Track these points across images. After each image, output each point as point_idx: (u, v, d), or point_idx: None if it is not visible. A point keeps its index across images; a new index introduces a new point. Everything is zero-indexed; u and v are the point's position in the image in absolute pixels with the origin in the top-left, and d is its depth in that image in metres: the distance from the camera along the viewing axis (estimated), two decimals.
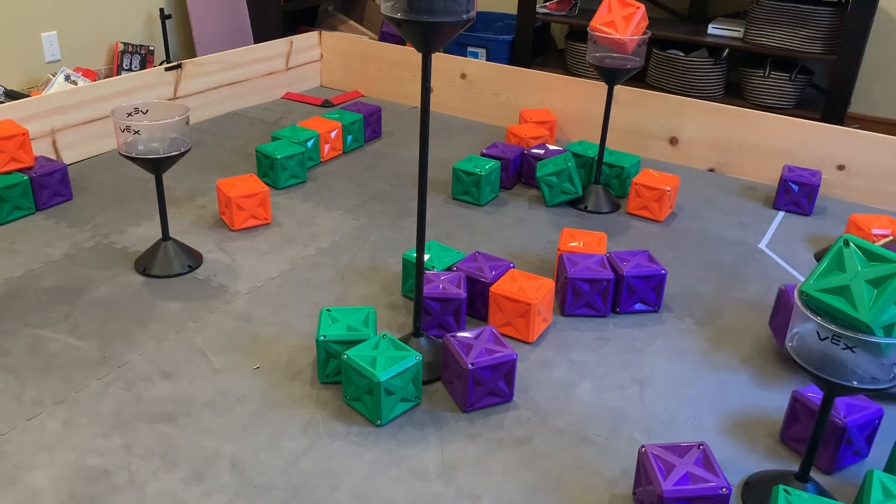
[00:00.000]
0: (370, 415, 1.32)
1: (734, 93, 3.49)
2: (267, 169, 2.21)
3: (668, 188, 2.08)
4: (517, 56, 3.76)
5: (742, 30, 3.35)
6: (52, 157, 2.25)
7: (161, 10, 3.67)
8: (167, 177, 2.24)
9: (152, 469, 1.20)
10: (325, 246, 1.90)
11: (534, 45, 3.78)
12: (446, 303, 1.52)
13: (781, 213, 2.21)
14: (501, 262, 1.65)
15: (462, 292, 1.53)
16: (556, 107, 2.70)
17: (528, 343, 1.55)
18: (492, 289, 1.54)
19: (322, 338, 1.37)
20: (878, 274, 0.97)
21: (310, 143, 2.33)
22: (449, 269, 1.65)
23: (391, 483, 1.20)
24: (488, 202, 2.19)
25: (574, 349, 1.55)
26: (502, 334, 1.53)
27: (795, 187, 2.19)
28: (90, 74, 3.32)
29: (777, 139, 2.38)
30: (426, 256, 1.69)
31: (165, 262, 1.75)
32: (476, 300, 1.61)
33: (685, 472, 1.11)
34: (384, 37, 3.92)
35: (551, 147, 2.32)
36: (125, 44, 3.59)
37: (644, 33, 1.99)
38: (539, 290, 1.53)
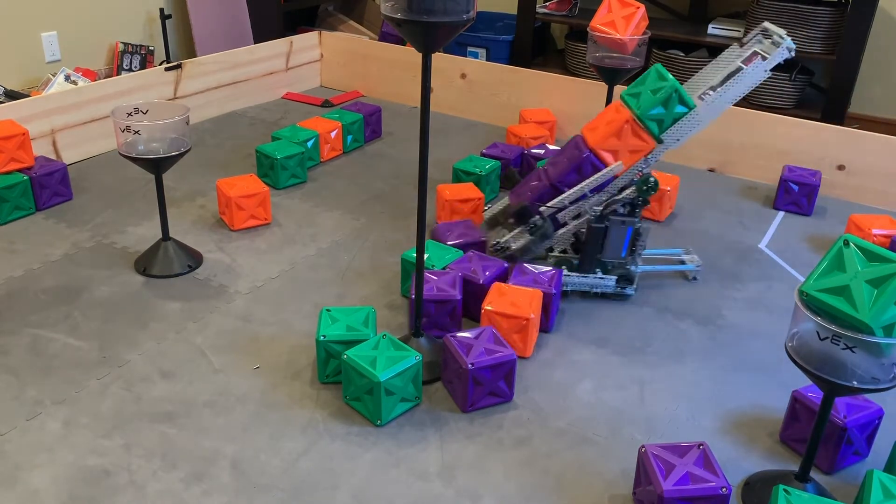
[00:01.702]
0: (370, 415, 1.32)
1: None
2: (267, 169, 2.21)
3: (668, 188, 2.08)
4: (517, 56, 3.77)
5: (742, 30, 3.35)
6: (52, 157, 2.25)
7: (161, 10, 3.67)
8: (167, 177, 2.24)
9: (152, 469, 1.21)
10: (325, 246, 1.91)
11: (534, 45, 3.78)
12: (442, 304, 1.51)
13: (781, 213, 2.21)
14: (495, 262, 1.65)
15: (457, 293, 1.52)
16: (556, 107, 2.70)
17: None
18: (484, 306, 1.50)
19: (322, 338, 1.37)
20: (878, 274, 0.97)
21: (310, 143, 2.33)
22: (445, 268, 1.64)
23: (391, 483, 1.20)
24: (488, 202, 2.19)
25: (574, 349, 1.55)
26: None
27: (795, 187, 2.19)
28: (90, 74, 3.32)
29: (777, 139, 2.38)
30: (426, 256, 1.68)
31: (165, 262, 1.75)
32: (469, 302, 1.60)
33: (685, 472, 1.11)
34: (384, 37, 3.92)
35: (551, 147, 2.32)
36: (125, 44, 3.59)
37: (644, 33, 1.99)
38: (532, 303, 1.50)
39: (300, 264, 1.81)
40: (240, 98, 2.87)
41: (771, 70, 1.58)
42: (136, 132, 1.60)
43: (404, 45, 3.08)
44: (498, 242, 1.71)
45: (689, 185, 2.37)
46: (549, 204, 1.64)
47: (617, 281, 1.68)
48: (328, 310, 1.45)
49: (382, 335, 1.36)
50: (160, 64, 3.28)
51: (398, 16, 1.16)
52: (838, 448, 1.23)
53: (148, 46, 3.65)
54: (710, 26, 3.42)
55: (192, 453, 1.24)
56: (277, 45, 2.99)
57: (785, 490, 1.06)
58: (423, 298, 1.50)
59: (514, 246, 1.69)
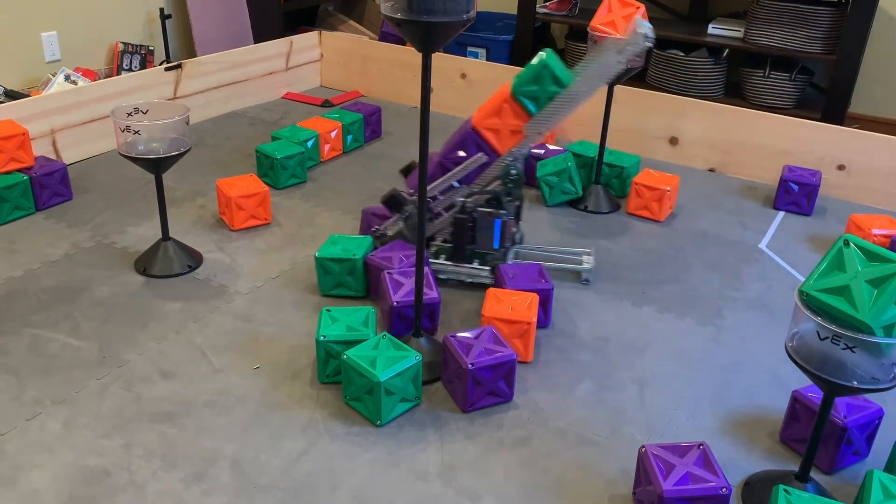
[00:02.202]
0: (370, 415, 1.32)
1: (734, 93, 3.49)
2: (267, 169, 2.21)
3: (668, 188, 2.08)
4: (517, 56, 3.76)
5: (742, 30, 3.35)
6: (52, 157, 2.25)
7: (161, 10, 3.67)
8: (167, 177, 2.24)
9: (152, 469, 1.21)
10: None
11: (534, 45, 3.78)
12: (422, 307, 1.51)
13: (781, 213, 2.21)
14: (410, 246, 1.70)
15: (435, 294, 1.52)
16: None
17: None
18: (484, 312, 1.48)
19: (322, 338, 1.37)
20: (878, 274, 0.97)
21: (310, 143, 2.33)
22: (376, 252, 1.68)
23: (391, 483, 1.20)
24: None
25: (574, 349, 1.55)
26: None
27: (795, 187, 2.19)
28: (90, 74, 3.32)
29: (777, 139, 2.38)
30: (338, 247, 1.70)
31: (165, 262, 1.75)
32: None
33: (685, 472, 1.11)
34: (384, 37, 3.92)
35: (551, 147, 2.32)
36: (125, 44, 3.59)
37: None
38: (530, 307, 1.49)
39: (300, 264, 1.81)
40: (240, 98, 2.87)
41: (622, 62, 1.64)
42: (136, 132, 1.60)
43: (404, 45, 3.08)
44: (377, 229, 1.77)
45: (689, 185, 2.37)
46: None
47: (491, 272, 1.72)
48: (328, 310, 1.45)
49: (382, 335, 1.36)
50: (160, 64, 3.28)
51: (398, 16, 1.16)
52: (838, 448, 1.23)
53: (148, 46, 3.65)
54: (710, 26, 3.42)
55: (192, 453, 1.24)
56: (277, 45, 2.99)
57: (785, 490, 1.06)
58: (402, 304, 1.49)
59: (389, 233, 1.74)
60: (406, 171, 1.78)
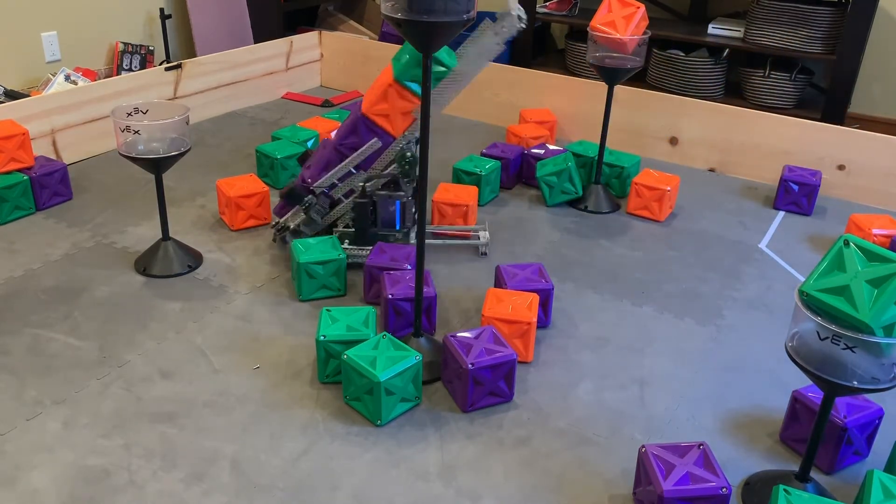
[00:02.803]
0: (370, 415, 1.32)
1: (734, 93, 3.49)
2: (267, 169, 2.21)
3: (669, 188, 2.08)
4: (517, 56, 3.76)
5: (742, 30, 3.35)
6: (52, 157, 2.25)
7: (161, 10, 3.67)
8: (167, 177, 2.24)
9: (152, 469, 1.21)
10: None
11: (534, 45, 3.78)
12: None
13: (781, 213, 2.21)
14: (407, 247, 1.71)
15: (432, 290, 1.53)
16: (556, 107, 2.70)
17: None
18: (484, 312, 1.48)
19: (322, 338, 1.37)
20: (878, 274, 0.97)
21: (310, 143, 2.33)
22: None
23: (391, 483, 1.20)
24: (488, 202, 2.19)
25: (574, 349, 1.55)
26: None
27: (795, 187, 2.19)
28: (90, 74, 3.32)
29: (777, 139, 2.38)
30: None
31: (165, 262, 1.75)
32: None
33: (685, 472, 1.11)
34: (384, 37, 3.92)
35: (551, 147, 2.32)
36: (125, 44, 3.59)
37: (644, 33, 1.99)
38: (531, 307, 1.49)
39: None
40: (240, 98, 2.87)
41: (505, 43, 1.67)
42: (136, 132, 1.60)
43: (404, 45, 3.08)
44: (278, 222, 1.81)
45: (689, 185, 2.37)
46: (318, 182, 1.74)
47: None
48: (328, 310, 1.45)
49: (382, 335, 1.36)
50: (160, 64, 3.28)
51: (398, 16, 1.16)
52: (838, 448, 1.23)
53: (148, 46, 3.65)
54: (710, 26, 3.42)
55: (192, 453, 1.24)
56: (277, 45, 2.99)
57: (785, 490, 1.06)
58: (398, 298, 1.50)
59: (291, 225, 1.78)
60: (303, 160, 1.82)
